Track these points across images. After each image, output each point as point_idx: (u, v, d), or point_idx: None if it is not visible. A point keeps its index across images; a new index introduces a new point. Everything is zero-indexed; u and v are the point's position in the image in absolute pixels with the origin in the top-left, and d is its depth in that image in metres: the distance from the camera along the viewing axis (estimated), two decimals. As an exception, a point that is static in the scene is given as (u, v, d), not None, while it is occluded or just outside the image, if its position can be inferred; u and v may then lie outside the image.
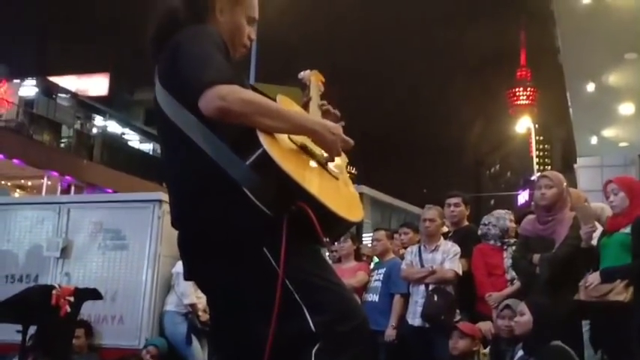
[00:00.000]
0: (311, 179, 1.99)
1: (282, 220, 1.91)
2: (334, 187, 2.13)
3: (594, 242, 4.63)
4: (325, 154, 2.12)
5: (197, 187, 2.05)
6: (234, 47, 2.28)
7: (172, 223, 2.17)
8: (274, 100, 2.19)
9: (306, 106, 2.41)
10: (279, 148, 1.96)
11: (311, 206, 1.90)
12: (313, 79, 2.57)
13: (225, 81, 1.94)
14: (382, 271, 6.16)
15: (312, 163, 2.09)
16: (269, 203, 1.92)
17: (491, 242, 5.57)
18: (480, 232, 5.72)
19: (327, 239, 2.00)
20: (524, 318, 4.42)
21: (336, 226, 2.04)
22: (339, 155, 2.14)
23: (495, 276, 5.40)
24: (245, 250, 1.99)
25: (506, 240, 5.52)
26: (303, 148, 2.08)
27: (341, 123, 2.27)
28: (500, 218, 5.63)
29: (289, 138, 2.06)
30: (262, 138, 1.92)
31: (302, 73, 2.60)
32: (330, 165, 2.15)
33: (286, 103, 2.26)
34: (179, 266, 6.49)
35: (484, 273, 5.44)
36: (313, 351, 1.93)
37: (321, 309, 1.97)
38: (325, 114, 2.38)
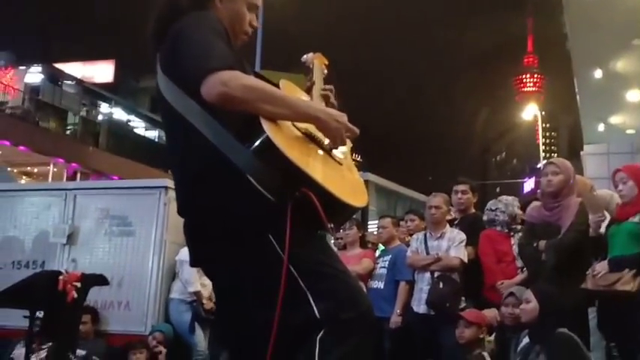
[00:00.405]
0: (315, 165, 1.98)
1: (287, 207, 1.90)
2: (338, 173, 2.12)
3: (602, 230, 4.60)
4: (329, 142, 2.11)
5: (200, 174, 2.05)
6: (235, 34, 2.27)
7: (178, 210, 2.17)
8: (278, 86, 2.18)
9: (309, 90, 2.39)
10: (283, 135, 1.95)
11: (315, 192, 1.89)
12: (317, 62, 2.55)
13: (227, 67, 1.93)
14: (387, 258, 6.16)
15: (316, 150, 2.07)
16: (273, 190, 1.91)
17: (498, 228, 5.57)
18: (485, 217, 5.71)
19: (332, 225, 1.98)
20: (529, 305, 4.41)
21: (341, 211, 2.04)
22: (343, 144, 2.13)
23: (505, 263, 5.39)
24: (249, 237, 1.99)
25: (514, 226, 5.52)
26: (307, 135, 2.07)
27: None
28: (509, 205, 5.63)
29: (293, 125, 2.05)
30: (265, 125, 1.91)
31: (305, 56, 2.58)
32: (335, 151, 2.14)
33: (290, 89, 2.25)
34: (182, 254, 6.52)
35: (493, 260, 5.44)
36: (317, 338, 1.93)
37: (326, 296, 1.97)
38: (325, 100, 2.36)
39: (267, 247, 1.95)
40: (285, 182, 1.89)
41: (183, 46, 2.03)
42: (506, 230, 5.55)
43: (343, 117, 2.09)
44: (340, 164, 2.15)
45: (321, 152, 2.09)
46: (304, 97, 2.33)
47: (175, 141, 2.17)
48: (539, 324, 4.32)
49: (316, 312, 1.94)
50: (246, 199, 1.94)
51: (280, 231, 1.90)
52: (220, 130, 1.98)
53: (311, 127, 2.08)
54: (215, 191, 2.01)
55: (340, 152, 2.17)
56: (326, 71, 2.56)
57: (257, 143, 1.89)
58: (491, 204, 5.78)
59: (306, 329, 1.94)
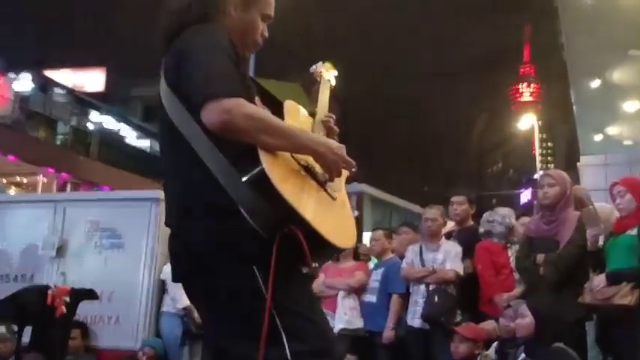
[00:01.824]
0: (307, 202, 1.96)
1: (274, 241, 1.88)
2: (330, 210, 2.10)
3: (600, 244, 4.58)
4: (325, 173, 2.09)
5: (192, 193, 2.02)
6: (246, 45, 2.24)
7: (165, 221, 2.15)
8: (279, 101, 2.18)
9: (313, 115, 2.37)
10: (279, 168, 1.93)
11: (303, 231, 1.87)
12: (324, 74, 2.52)
13: (231, 93, 1.90)
14: (380, 271, 6.10)
15: (311, 184, 2.05)
16: (263, 224, 1.89)
17: (495, 240, 5.55)
18: (482, 229, 5.69)
19: (315, 264, 1.97)
20: (525, 320, 4.36)
21: (326, 251, 2.03)
22: (339, 176, 2.12)
23: (503, 275, 5.36)
24: (233, 265, 1.95)
25: (511, 238, 5.50)
26: (304, 167, 2.05)
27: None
28: (506, 216, 5.63)
29: (292, 155, 2.03)
30: (263, 157, 1.89)
31: (313, 66, 2.55)
32: (329, 184, 2.12)
33: (293, 112, 2.25)
34: (166, 272, 6.42)
35: (491, 272, 5.40)
36: None
37: (301, 339, 1.94)
38: (326, 129, 2.34)
39: (249, 279, 1.93)
40: (276, 218, 1.87)
41: (188, 64, 1.99)
42: (504, 242, 5.51)
43: (341, 149, 2.08)
44: (334, 199, 2.13)
45: (315, 186, 2.07)
46: (306, 119, 2.32)
47: (171, 153, 2.13)
48: (536, 339, 4.27)
49: (288, 354, 1.91)
50: (236, 228, 1.92)
51: (265, 265, 1.89)
52: (217, 156, 1.95)
53: (309, 159, 2.06)
54: (205, 214, 1.98)
55: (336, 185, 2.15)
56: (334, 82, 2.54)
57: (252, 175, 1.87)
58: (487, 215, 5.75)
59: None
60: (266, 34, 2.30)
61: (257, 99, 2.12)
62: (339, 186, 2.18)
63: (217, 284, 1.99)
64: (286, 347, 1.91)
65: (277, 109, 2.14)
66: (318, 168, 2.07)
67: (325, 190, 2.10)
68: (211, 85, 1.91)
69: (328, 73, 2.54)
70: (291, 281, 1.98)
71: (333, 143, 2.08)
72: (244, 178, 1.88)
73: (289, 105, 2.26)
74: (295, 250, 1.87)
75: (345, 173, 2.17)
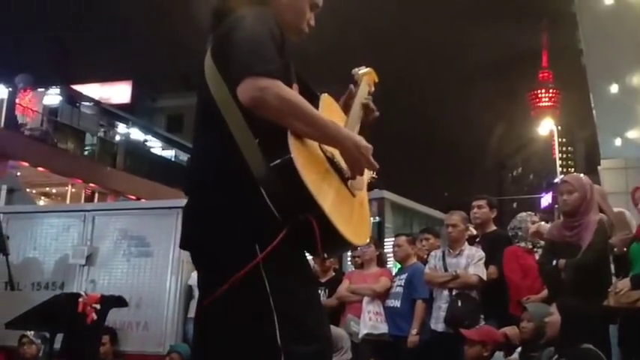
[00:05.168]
0: (327, 193, 1.97)
1: (286, 225, 1.91)
2: (348, 206, 2.11)
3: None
4: (348, 170, 2.11)
5: (216, 167, 2.06)
6: (292, 32, 2.26)
7: (184, 189, 2.19)
8: (316, 94, 2.20)
9: (346, 112, 2.38)
10: (305, 156, 1.95)
11: (319, 222, 1.88)
12: (366, 78, 2.53)
13: (269, 74, 1.92)
14: (404, 276, 6.14)
15: (334, 176, 2.07)
16: (281, 208, 1.92)
17: (522, 244, 5.59)
18: (510, 233, 5.75)
19: (325, 254, 1.98)
20: (553, 318, 4.30)
21: (337, 245, 2.02)
22: (361, 175, 2.14)
23: (531, 278, 5.35)
24: (237, 240, 1.98)
25: (537, 242, 5.51)
26: (329, 159, 2.07)
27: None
28: (523, 221, 5.68)
29: (319, 146, 2.06)
30: (292, 142, 1.91)
31: (357, 69, 2.56)
32: (351, 182, 2.14)
33: (329, 105, 2.26)
34: (193, 279, 6.53)
35: (519, 276, 5.42)
36: None
37: (292, 322, 1.95)
38: (365, 108, 2.37)
39: (248, 256, 1.94)
40: (294, 203, 1.90)
41: (237, 38, 2.01)
42: (530, 246, 5.55)
43: (368, 150, 2.08)
44: (353, 196, 2.14)
45: (338, 180, 2.08)
46: (340, 115, 2.34)
47: (203, 127, 2.17)
48: (563, 338, 4.23)
49: (278, 335, 1.92)
50: (251, 204, 1.95)
51: (268, 245, 1.91)
52: (247, 133, 1.98)
53: (336, 152, 2.08)
54: (224, 188, 2.02)
55: (358, 183, 2.16)
56: (373, 89, 2.55)
57: (279, 160, 1.90)
58: (511, 223, 5.84)
59: (264, 352, 1.93)
60: (312, 22, 2.34)
61: (295, 86, 2.12)
62: (361, 184, 2.19)
63: (218, 255, 2.02)
64: (277, 329, 1.92)
65: (314, 102, 2.12)
66: (343, 163, 2.09)
67: (346, 186, 2.11)
68: (252, 62, 1.93)
69: (370, 79, 2.55)
70: (292, 266, 2.00)
71: (362, 142, 2.07)
72: (272, 163, 1.90)
73: (326, 97, 2.27)
74: (306, 240, 1.89)
75: (367, 174, 2.19)
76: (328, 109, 2.23)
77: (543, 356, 4.44)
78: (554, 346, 4.32)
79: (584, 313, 4.30)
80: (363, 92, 2.47)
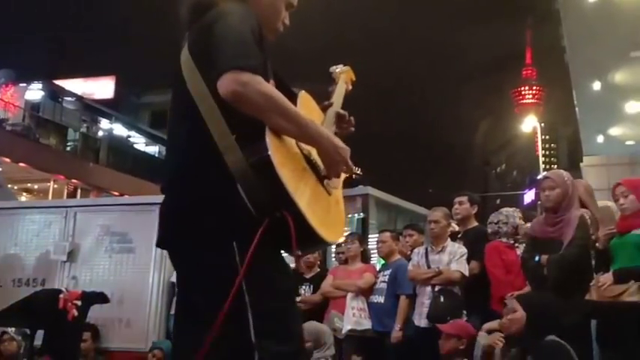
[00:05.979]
0: (303, 191, 1.97)
1: (262, 222, 1.90)
2: (324, 204, 2.11)
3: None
4: (324, 170, 2.11)
5: (192, 163, 2.04)
6: (268, 30, 2.26)
7: (161, 188, 2.17)
8: (293, 91, 2.19)
9: (324, 110, 2.38)
10: (283, 153, 1.95)
11: (294, 219, 1.88)
12: (343, 76, 2.53)
13: (251, 69, 1.91)
14: (388, 272, 6.16)
15: (310, 175, 2.07)
16: (257, 204, 1.91)
17: (504, 239, 5.61)
18: (489, 230, 5.74)
19: (299, 252, 1.96)
20: (516, 315, 4.25)
21: (312, 242, 2.02)
22: (337, 177, 2.15)
23: (513, 274, 5.38)
24: (214, 237, 1.97)
25: (518, 237, 5.56)
26: (307, 158, 2.07)
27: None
28: (510, 216, 5.70)
29: (297, 143, 2.05)
30: (270, 139, 1.91)
31: (334, 66, 2.57)
32: (327, 181, 2.14)
33: (307, 103, 2.26)
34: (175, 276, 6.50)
35: (502, 272, 5.45)
36: None
37: (267, 320, 1.95)
38: (340, 120, 2.36)
39: (228, 253, 1.94)
40: (271, 199, 1.89)
41: (220, 32, 2.01)
42: (512, 241, 5.59)
43: (346, 152, 2.09)
44: (329, 194, 2.15)
45: (314, 179, 2.08)
46: (318, 113, 2.34)
47: (179, 121, 2.15)
48: (529, 332, 4.19)
49: (252, 333, 1.92)
50: (227, 200, 1.94)
51: (246, 243, 1.89)
52: (224, 128, 1.96)
53: (313, 151, 2.08)
54: (200, 185, 2.00)
55: (334, 181, 2.17)
56: (350, 87, 2.55)
57: (256, 156, 1.89)
58: (492, 217, 5.83)
59: (239, 350, 1.92)
60: (287, 21, 2.35)
61: (272, 82, 2.11)
62: (337, 183, 2.20)
63: (195, 252, 2.02)
64: (251, 326, 1.91)
65: (291, 99, 2.11)
66: (319, 162, 2.09)
67: (322, 185, 2.12)
68: (234, 56, 1.92)
69: (347, 77, 2.55)
70: (270, 264, 1.99)
71: (339, 143, 2.09)
72: (248, 158, 1.90)
73: (303, 95, 2.26)
74: (281, 237, 1.89)
75: (343, 176, 2.19)
76: (306, 107, 2.23)
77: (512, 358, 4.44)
78: (521, 344, 4.31)
79: (548, 305, 4.30)
80: (341, 90, 2.47)
